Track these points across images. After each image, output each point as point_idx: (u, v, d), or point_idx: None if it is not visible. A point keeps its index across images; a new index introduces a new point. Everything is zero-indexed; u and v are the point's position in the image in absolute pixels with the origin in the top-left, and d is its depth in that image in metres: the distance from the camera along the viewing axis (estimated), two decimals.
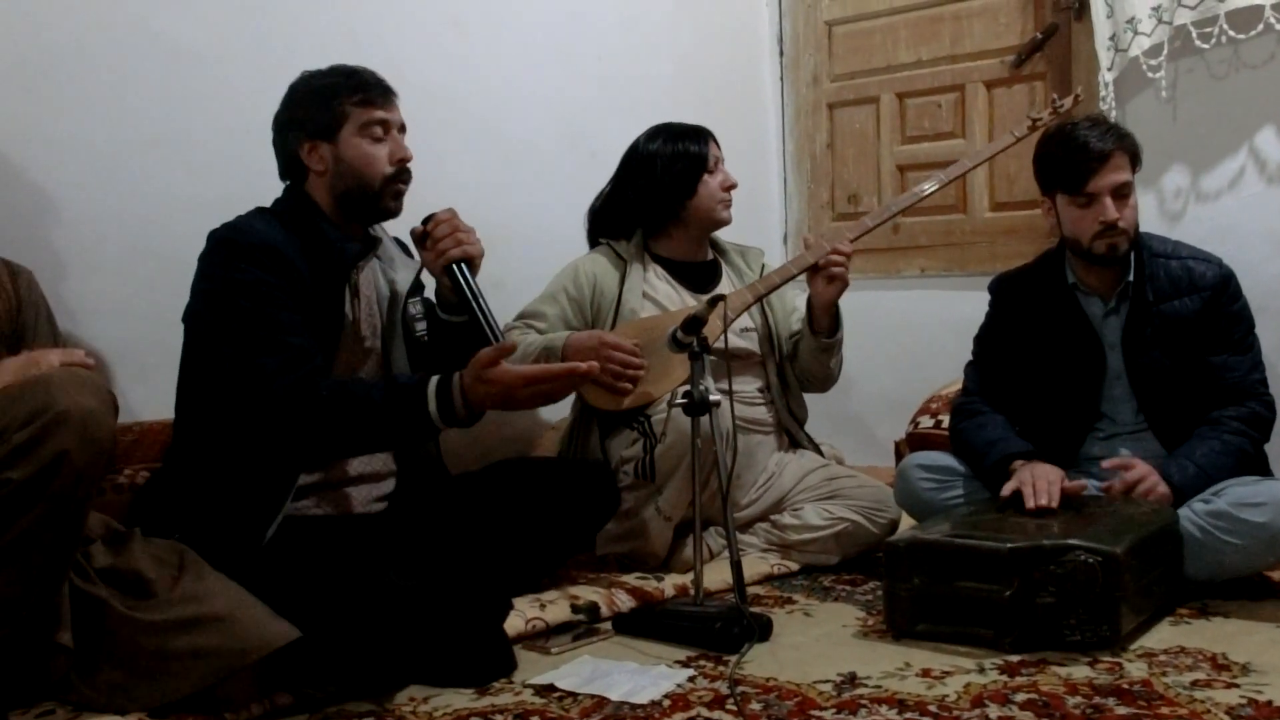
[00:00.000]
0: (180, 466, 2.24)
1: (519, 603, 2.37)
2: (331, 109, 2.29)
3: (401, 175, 2.33)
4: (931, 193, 3.08)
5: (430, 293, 2.50)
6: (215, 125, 2.79)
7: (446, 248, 2.30)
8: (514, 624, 2.28)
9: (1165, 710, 1.83)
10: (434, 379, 2.13)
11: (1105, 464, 2.57)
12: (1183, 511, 2.42)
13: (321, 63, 2.35)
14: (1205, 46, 3.13)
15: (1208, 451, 2.53)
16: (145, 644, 1.82)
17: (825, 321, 2.98)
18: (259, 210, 2.31)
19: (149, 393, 2.59)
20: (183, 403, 2.29)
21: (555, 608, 2.42)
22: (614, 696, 1.97)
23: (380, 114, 2.31)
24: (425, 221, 2.35)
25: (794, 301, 3.22)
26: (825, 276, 2.91)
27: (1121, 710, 1.84)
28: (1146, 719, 1.80)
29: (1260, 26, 3.02)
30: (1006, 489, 2.49)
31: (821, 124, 4.31)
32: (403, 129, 2.36)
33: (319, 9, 3.03)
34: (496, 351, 2.09)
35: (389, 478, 2.43)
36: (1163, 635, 2.25)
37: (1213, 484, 2.47)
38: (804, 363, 3.07)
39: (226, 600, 1.87)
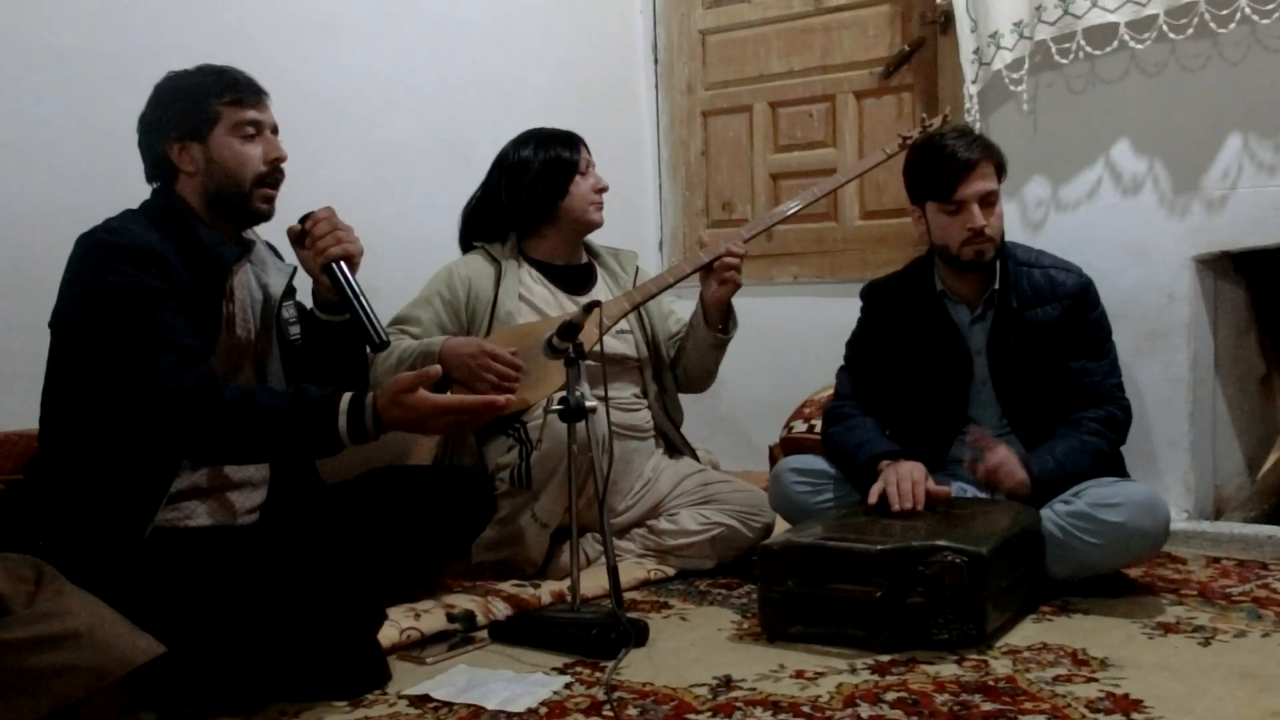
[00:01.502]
0: (44, 477, 2.16)
1: (393, 612, 2.34)
2: (202, 109, 2.23)
3: (274, 175, 2.27)
4: (802, 207, 3.14)
5: (305, 295, 2.45)
6: (74, 126, 2.70)
7: (326, 245, 2.26)
8: (388, 634, 2.25)
9: (1029, 705, 1.88)
10: (346, 395, 2.11)
11: (970, 436, 2.63)
12: (1044, 512, 2.50)
13: (188, 63, 2.29)
14: (1064, 61, 3.23)
15: (1067, 449, 2.61)
16: (1, 663, 1.75)
17: (718, 318, 3.01)
18: (130, 212, 2.24)
19: (7, 402, 2.49)
20: (48, 410, 2.20)
21: (430, 617, 2.39)
22: (490, 705, 1.95)
23: (253, 114, 2.25)
24: (303, 220, 2.31)
25: (669, 305, 3.24)
26: (718, 279, 2.94)
27: (987, 706, 1.88)
28: (1011, 714, 1.85)
29: (1115, 44, 3.12)
30: (872, 494, 2.53)
31: (696, 131, 4.35)
32: (275, 129, 2.31)
33: (186, 8, 2.95)
34: (418, 377, 2.09)
35: (263, 485, 2.37)
36: (1026, 633, 2.31)
37: (1069, 479, 2.55)
38: (690, 359, 3.09)
39: (87, 616, 1.80)
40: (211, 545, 2.19)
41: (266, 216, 2.31)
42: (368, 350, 2.39)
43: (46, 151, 2.66)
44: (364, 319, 2.23)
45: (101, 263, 2.10)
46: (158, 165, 2.27)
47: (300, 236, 2.30)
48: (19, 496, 2.18)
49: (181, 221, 2.22)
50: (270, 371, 2.36)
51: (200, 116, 2.22)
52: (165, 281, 2.11)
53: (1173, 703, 1.88)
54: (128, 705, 1.86)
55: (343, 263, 2.26)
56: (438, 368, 2.17)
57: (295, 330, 2.41)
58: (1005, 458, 2.57)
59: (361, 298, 2.25)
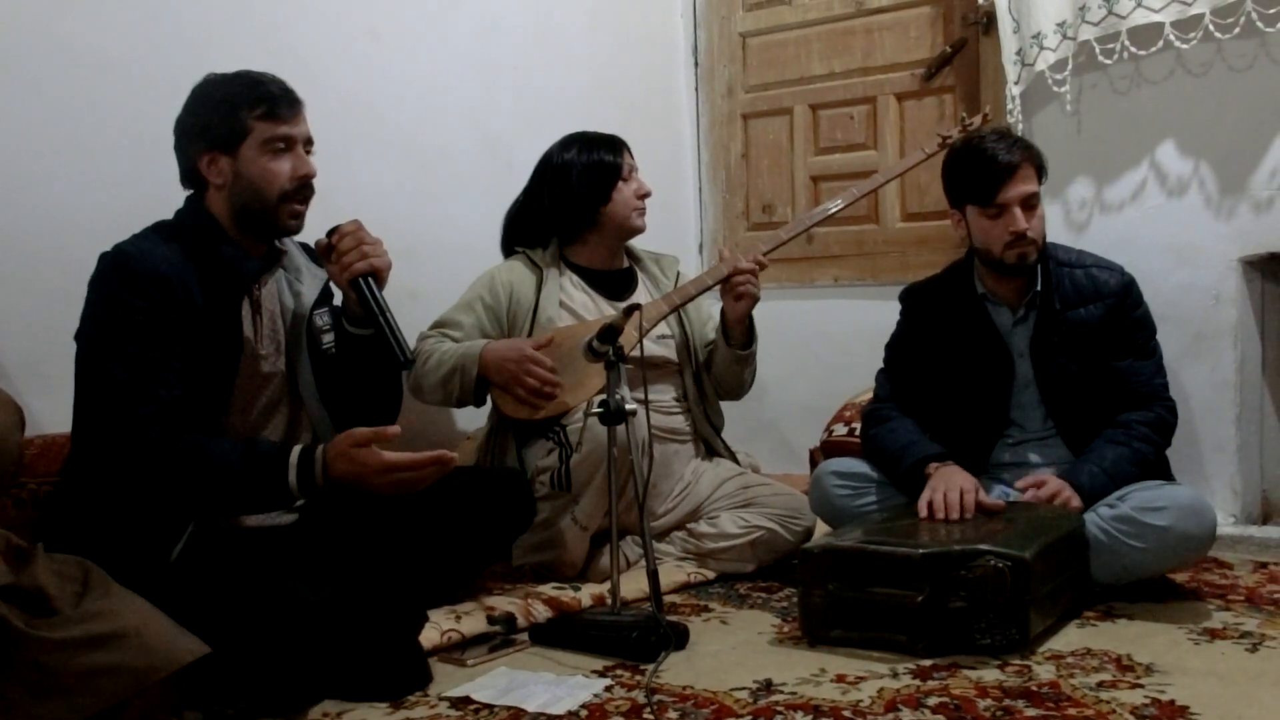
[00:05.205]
0: (80, 480, 2.18)
1: (434, 614, 2.35)
2: (233, 121, 2.20)
3: (301, 192, 2.25)
4: (843, 208, 3.13)
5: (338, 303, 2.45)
6: (120, 133, 2.72)
7: (351, 261, 2.24)
8: (429, 636, 2.26)
9: (1073, 711, 1.86)
10: (297, 448, 2.10)
11: (1019, 484, 2.61)
12: (1088, 516, 2.48)
13: (234, 69, 2.30)
14: (1108, 62, 3.20)
15: (1116, 459, 2.58)
16: (48, 662, 1.77)
17: (738, 333, 3.00)
18: (157, 227, 2.24)
19: (52, 405, 2.50)
20: (79, 417, 2.21)
21: (471, 619, 2.40)
22: (530, 708, 1.96)
23: (285, 129, 2.22)
24: (330, 234, 2.29)
25: (710, 310, 3.24)
26: (733, 294, 2.94)
27: (1030, 712, 1.87)
28: None
29: (1160, 44, 3.09)
30: (921, 508, 2.51)
31: (736, 134, 4.34)
32: (309, 143, 2.28)
33: (231, 14, 2.97)
34: (374, 433, 2.08)
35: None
36: (1070, 638, 2.29)
37: (1118, 490, 2.52)
38: (718, 372, 3.09)
39: (133, 616, 1.82)
40: (252, 545, 2.20)
41: (294, 230, 2.30)
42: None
43: (91, 158, 2.69)
44: (389, 335, 2.21)
45: (111, 288, 2.11)
46: (189, 174, 2.27)
47: (327, 250, 2.28)
48: (62, 498, 2.21)
49: (205, 236, 2.22)
50: (302, 382, 2.35)
51: (230, 129, 2.20)
52: (173, 309, 2.11)
53: (1219, 709, 1.86)
54: (173, 705, 1.87)
55: (369, 278, 2.25)
56: (396, 428, 2.13)
57: (329, 339, 2.40)
58: (1057, 488, 2.54)
59: (387, 314, 2.23)
